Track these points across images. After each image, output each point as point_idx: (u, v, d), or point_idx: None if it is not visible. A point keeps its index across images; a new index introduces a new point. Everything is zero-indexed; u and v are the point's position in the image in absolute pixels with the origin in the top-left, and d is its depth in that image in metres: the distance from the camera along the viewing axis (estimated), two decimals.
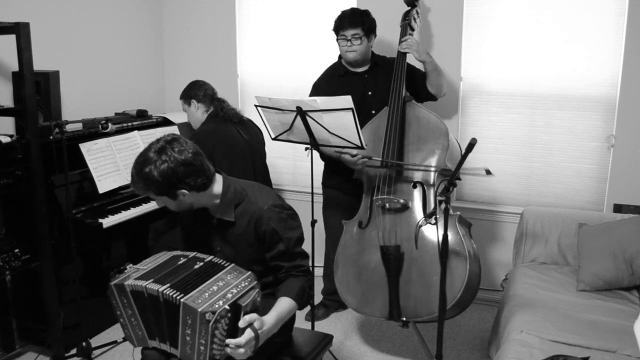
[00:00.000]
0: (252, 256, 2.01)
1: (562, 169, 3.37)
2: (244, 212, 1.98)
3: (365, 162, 2.83)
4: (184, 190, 1.88)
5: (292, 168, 4.02)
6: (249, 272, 1.83)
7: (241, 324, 1.70)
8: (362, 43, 3.03)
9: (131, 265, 1.92)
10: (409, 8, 3.10)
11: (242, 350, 1.69)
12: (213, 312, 1.63)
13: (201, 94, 3.32)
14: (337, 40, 3.09)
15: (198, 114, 3.33)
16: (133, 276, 1.82)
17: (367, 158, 2.80)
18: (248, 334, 1.70)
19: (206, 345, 1.67)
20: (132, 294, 1.80)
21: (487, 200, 3.56)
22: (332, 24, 3.21)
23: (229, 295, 1.70)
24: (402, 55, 2.96)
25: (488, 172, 2.42)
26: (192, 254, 1.93)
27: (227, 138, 3.17)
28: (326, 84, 3.14)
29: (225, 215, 1.99)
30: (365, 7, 3.12)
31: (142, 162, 1.86)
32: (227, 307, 1.66)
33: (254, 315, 1.72)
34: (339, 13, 3.10)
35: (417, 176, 2.80)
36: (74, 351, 2.97)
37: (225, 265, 1.85)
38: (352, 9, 3.09)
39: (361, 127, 2.92)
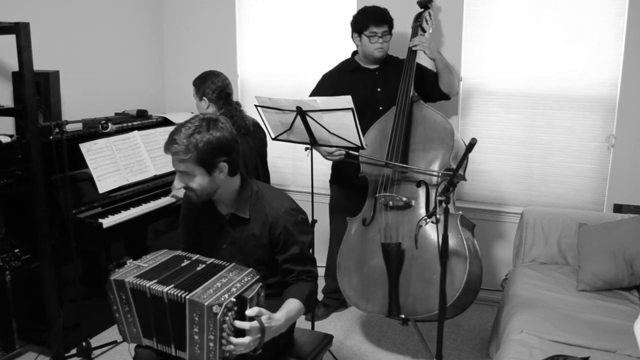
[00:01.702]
0: (259, 257, 2.01)
1: (562, 169, 3.37)
2: (259, 212, 1.98)
3: (342, 154, 2.82)
4: (224, 164, 1.86)
5: (292, 168, 4.02)
6: (250, 269, 1.83)
7: (249, 312, 1.70)
8: (389, 40, 3.06)
9: (131, 260, 1.91)
10: (422, 10, 3.12)
11: (247, 339, 1.68)
12: (220, 305, 1.64)
13: (214, 94, 3.06)
14: (363, 36, 3.04)
15: (209, 112, 3.09)
16: (133, 273, 1.82)
17: (344, 151, 2.80)
18: (254, 324, 1.70)
19: (215, 341, 1.67)
20: (132, 291, 1.79)
21: (487, 200, 3.56)
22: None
23: (234, 289, 1.71)
24: (413, 53, 2.97)
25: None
26: (195, 257, 1.92)
27: None
28: (336, 77, 3.16)
29: (240, 211, 1.98)
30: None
31: (191, 126, 1.82)
32: (233, 299, 1.67)
33: (263, 310, 1.73)
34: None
35: (421, 175, 2.80)
36: (74, 351, 2.97)
37: (226, 265, 1.86)
38: (376, 7, 3.08)
39: (369, 126, 2.96)
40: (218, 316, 1.64)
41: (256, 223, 1.98)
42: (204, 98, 3.08)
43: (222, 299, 1.66)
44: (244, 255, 2.01)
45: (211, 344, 1.68)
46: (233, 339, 1.67)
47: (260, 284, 1.79)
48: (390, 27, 3.05)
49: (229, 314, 1.66)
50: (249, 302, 1.72)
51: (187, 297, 1.68)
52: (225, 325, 1.66)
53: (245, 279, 1.77)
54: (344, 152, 2.82)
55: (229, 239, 2.03)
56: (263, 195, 2.01)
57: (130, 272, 1.83)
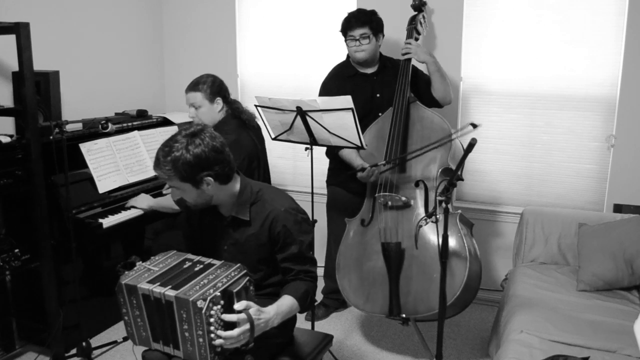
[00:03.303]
0: (260, 256, 2.01)
1: (562, 169, 3.37)
2: (259, 212, 1.99)
3: (374, 170, 2.80)
4: (209, 178, 1.87)
5: (292, 168, 4.02)
6: (238, 264, 1.84)
7: (237, 306, 1.70)
8: (371, 42, 3.02)
9: (140, 262, 1.91)
10: (416, 13, 3.11)
11: (236, 331, 1.68)
12: (204, 299, 1.65)
13: (226, 94, 3.02)
14: (346, 41, 3.06)
15: (218, 115, 3.03)
16: (145, 277, 1.82)
17: (375, 167, 2.76)
18: (242, 316, 1.70)
19: (204, 336, 1.67)
20: (144, 297, 1.79)
21: (487, 200, 3.56)
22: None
23: (219, 284, 1.72)
24: (407, 58, 2.97)
25: (474, 126, 2.37)
26: (197, 258, 1.93)
27: (247, 149, 2.95)
28: (335, 84, 3.12)
29: (240, 214, 1.99)
30: (367, 8, 3.12)
31: (171, 145, 1.85)
32: (218, 293, 1.68)
33: (251, 303, 1.74)
34: (343, 14, 3.09)
35: (420, 175, 2.81)
36: (74, 351, 2.97)
37: (215, 263, 1.87)
38: (359, 9, 3.08)
39: (367, 129, 2.95)
40: (203, 310, 1.64)
41: (256, 223, 1.99)
42: (219, 99, 2.99)
43: (207, 293, 1.67)
44: (245, 256, 2.01)
45: (201, 340, 1.69)
46: (221, 332, 1.67)
47: (248, 277, 1.79)
48: (373, 28, 3.00)
49: (215, 308, 1.67)
50: (236, 295, 1.72)
51: (174, 294, 1.69)
52: (212, 320, 1.66)
53: (232, 274, 1.78)
54: (375, 169, 2.79)
55: (230, 241, 2.03)
56: (263, 194, 2.01)
57: (141, 276, 1.82)
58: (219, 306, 1.68)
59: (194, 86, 2.99)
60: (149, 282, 1.79)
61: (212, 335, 1.67)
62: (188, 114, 3.08)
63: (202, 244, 2.09)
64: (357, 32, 2.99)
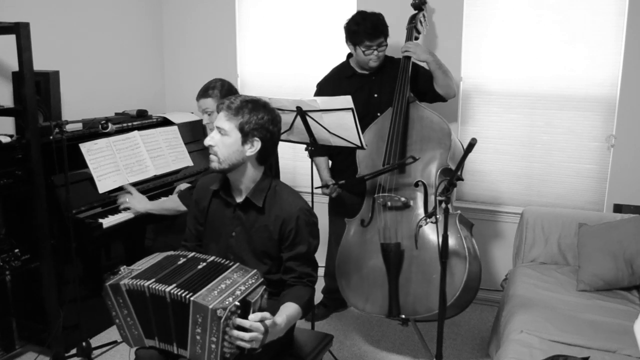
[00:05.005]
0: (267, 250, 2.02)
1: (562, 169, 3.37)
2: (273, 205, 2.00)
3: (336, 188, 3.06)
4: (259, 143, 1.93)
5: (292, 168, 4.02)
6: (254, 270, 1.84)
7: (252, 317, 1.71)
8: (385, 49, 3.00)
9: (125, 267, 1.91)
10: (416, 12, 3.10)
11: (251, 334, 1.69)
12: (224, 309, 1.64)
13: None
14: (358, 49, 2.98)
15: None
16: (128, 276, 1.82)
17: (337, 185, 2.98)
18: (259, 326, 1.71)
19: (217, 343, 1.68)
20: (128, 293, 1.80)
21: (487, 200, 3.56)
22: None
23: (238, 292, 1.71)
24: (407, 58, 2.97)
25: (414, 159, 2.64)
26: (191, 254, 1.93)
27: None
28: (332, 85, 3.11)
29: (255, 199, 2.00)
30: (366, 8, 3.11)
31: (255, 98, 1.99)
32: (237, 303, 1.68)
33: (266, 314, 1.74)
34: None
35: (419, 175, 2.81)
36: (74, 351, 2.96)
37: (230, 264, 1.86)
38: (370, 17, 2.96)
39: (366, 129, 2.95)
40: (222, 320, 1.64)
41: (270, 216, 2.00)
42: None
43: (227, 302, 1.66)
44: (252, 246, 2.02)
45: (213, 346, 1.69)
46: (235, 332, 1.68)
47: (264, 287, 1.80)
48: (386, 35, 2.97)
49: (233, 317, 1.67)
50: (252, 305, 1.73)
51: (192, 298, 1.68)
52: (228, 328, 1.67)
53: (250, 282, 1.77)
54: (337, 186, 3.02)
55: (239, 227, 2.04)
56: (281, 191, 2.04)
57: (124, 277, 1.83)
58: (236, 315, 1.69)
59: (204, 93, 2.87)
60: (133, 277, 1.79)
61: (226, 343, 1.68)
62: (203, 120, 2.94)
63: (207, 229, 2.10)
64: (376, 42, 2.94)
